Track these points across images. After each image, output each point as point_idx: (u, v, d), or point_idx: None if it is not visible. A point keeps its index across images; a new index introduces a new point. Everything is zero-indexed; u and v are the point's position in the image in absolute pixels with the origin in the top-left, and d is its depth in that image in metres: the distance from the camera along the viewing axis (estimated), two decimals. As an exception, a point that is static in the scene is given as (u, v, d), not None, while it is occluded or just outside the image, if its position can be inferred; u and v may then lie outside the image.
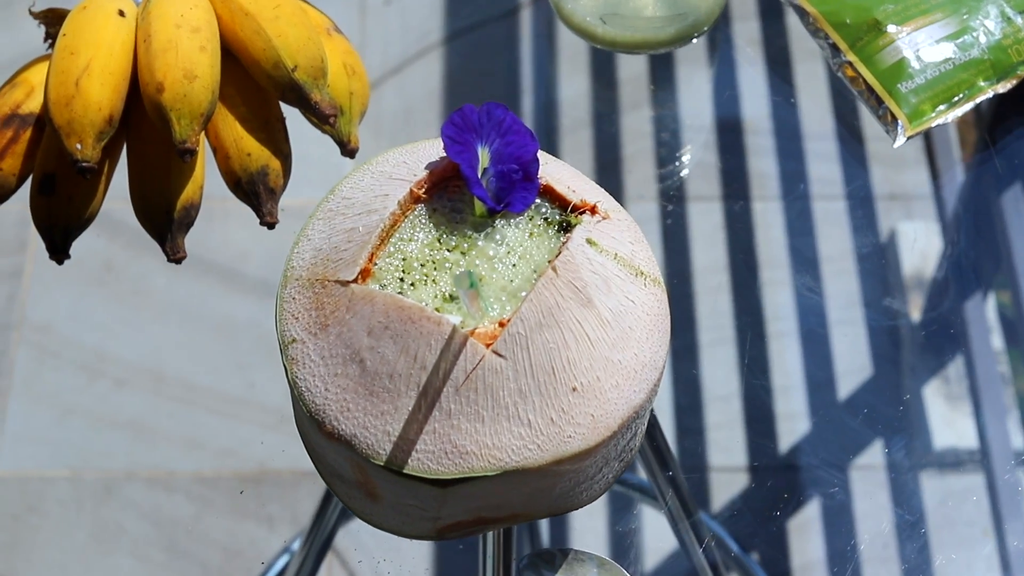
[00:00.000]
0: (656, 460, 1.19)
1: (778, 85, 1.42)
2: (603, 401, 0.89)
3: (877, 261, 1.60)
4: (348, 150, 1.08)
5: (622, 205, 0.98)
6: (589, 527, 1.44)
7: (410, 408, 0.87)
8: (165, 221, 1.05)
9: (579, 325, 0.88)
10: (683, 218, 1.63)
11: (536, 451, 0.87)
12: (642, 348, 0.91)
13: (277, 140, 1.08)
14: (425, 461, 0.87)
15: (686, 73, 1.41)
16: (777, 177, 1.61)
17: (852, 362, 1.57)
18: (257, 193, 1.05)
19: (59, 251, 1.06)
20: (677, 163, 1.52)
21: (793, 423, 1.55)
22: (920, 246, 1.63)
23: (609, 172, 1.66)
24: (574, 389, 0.88)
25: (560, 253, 0.90)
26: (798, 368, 1.58)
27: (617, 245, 0.92)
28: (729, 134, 1.54)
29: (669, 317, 0.94)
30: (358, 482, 0.91)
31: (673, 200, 1.55)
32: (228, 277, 1.61)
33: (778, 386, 1.58)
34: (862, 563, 1.46)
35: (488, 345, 0.87)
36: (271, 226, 1.05)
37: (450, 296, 0.90)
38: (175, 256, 1.05)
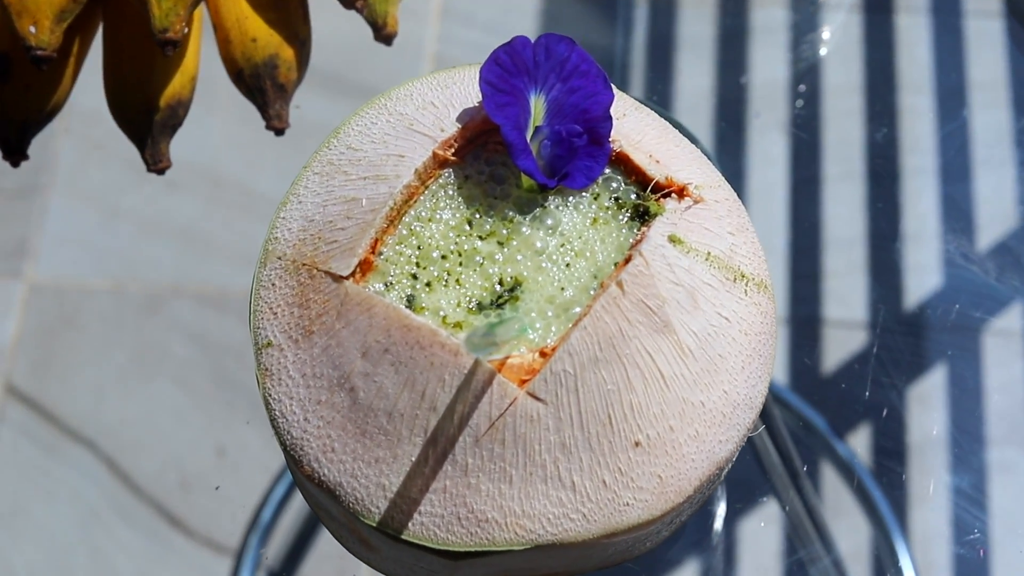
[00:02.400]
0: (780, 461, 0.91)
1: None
2: (675, 457, 0.61)
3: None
4: (383, 35, 0.77)
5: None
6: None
7: (414, 458, 0.60)
8: (144, 122, 0.76)
9: (650, 359, 0.60)
10: (814, 28, 1.30)
11: (580, 522, 0.60)
12: (735, 383, 0.62)
13: (292, 21, 0.77)
14: (431, 527, 0.61)
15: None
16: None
17: (995, 209, 1.26)
18: (263, 90, 0.76)
19: (14, 151, 0.77)
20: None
21: (922, 276, 1.25)
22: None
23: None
24: (637, 444, 0.60)
25: (630, 259, 0.60)
26: (933, 213, 1.27)
27: (711, 240, 0.63)
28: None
29: (775, 334, 0.64)
30: (350, 528, 0.64)
31: (803, 6, 1.23)
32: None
33: (910, 232, 1.27)
34: (988, 443, 1.19)
35: (523, 384, 0.59)
36: (279, 132, 0.75)
37: (478, 306, 0.61)
38: (156, 166, 0.76)
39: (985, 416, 1.22)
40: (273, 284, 0.64)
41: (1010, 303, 1.20)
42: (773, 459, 0.96)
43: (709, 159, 0.68)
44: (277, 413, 0.62)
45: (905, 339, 1.23)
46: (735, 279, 0.63)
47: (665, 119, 0.69)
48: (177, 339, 1.30)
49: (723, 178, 0.67)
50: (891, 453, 1.21)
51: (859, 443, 1.19)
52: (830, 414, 1.17)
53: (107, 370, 1.29)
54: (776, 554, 1.17)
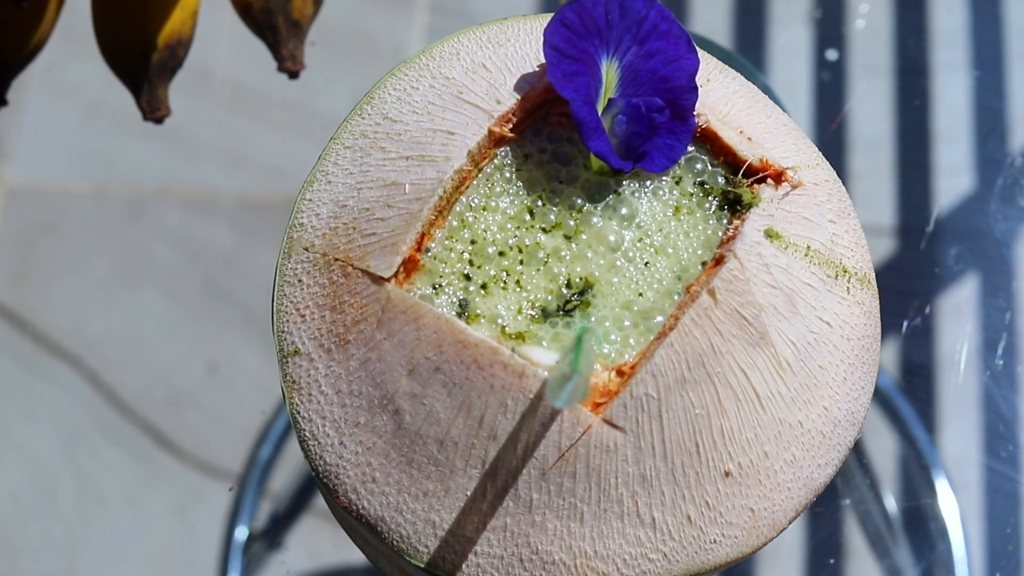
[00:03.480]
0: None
1: None
2: (770, 487, 0.51)
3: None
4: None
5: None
6: None
7: (469, 492, 0.51)
8: (140, 64, 0.64)
9: (744, 376, 0.50)
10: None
11: (660, 562, 0.51)
12: (836, 398, 0.52)
13: (306, -53, 0.65)
14: (488, 569, 0.51)
15: None
16: None
17: (1031, 107, 1.16)
18: (274, 27, 0.64)
19: (-10, 95, 0.66)
20: None
21: (954, 179, 1.15)
22: None
23: None
24: (727, 474, 0.50)
25: (721, 259, 0.50)
26: (965, 108, 1.17)
27: (811, 231, 0.52)
28: None
29: (879, 336, 0.54)
30: (391, 560, 0.54)
31: None
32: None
33: (941, 131, 1.17)
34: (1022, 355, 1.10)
35: (598, 409, 0.49)
36: (293, 75, 0.64)
37: (542, 312, 0.51)
38: (154, 114, 0.65)
39: (1018, 327, 1.13)
40: (300, 280, 0.53)
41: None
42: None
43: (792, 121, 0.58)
44: (307, 434, 0.52)
45: (934, 245, 1.14)
46: (836, 275, 0.53)
47: (742, 73, 0.59)
48: (164, 246, 1.20)
49: (820, 153, 0.56)
50: (920, 368, 1.12)
51: (887, 358, 1.10)
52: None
53: (89, 279, 1.19)
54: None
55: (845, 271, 0.54)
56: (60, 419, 1.14)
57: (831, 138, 1.19)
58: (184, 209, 1.20)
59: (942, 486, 1.06)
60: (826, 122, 1.19)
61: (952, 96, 1.18)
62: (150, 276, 1.18)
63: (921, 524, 1.06)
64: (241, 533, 1.00)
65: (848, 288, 0.53)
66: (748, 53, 1.20)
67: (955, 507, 1.04)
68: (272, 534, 1.01)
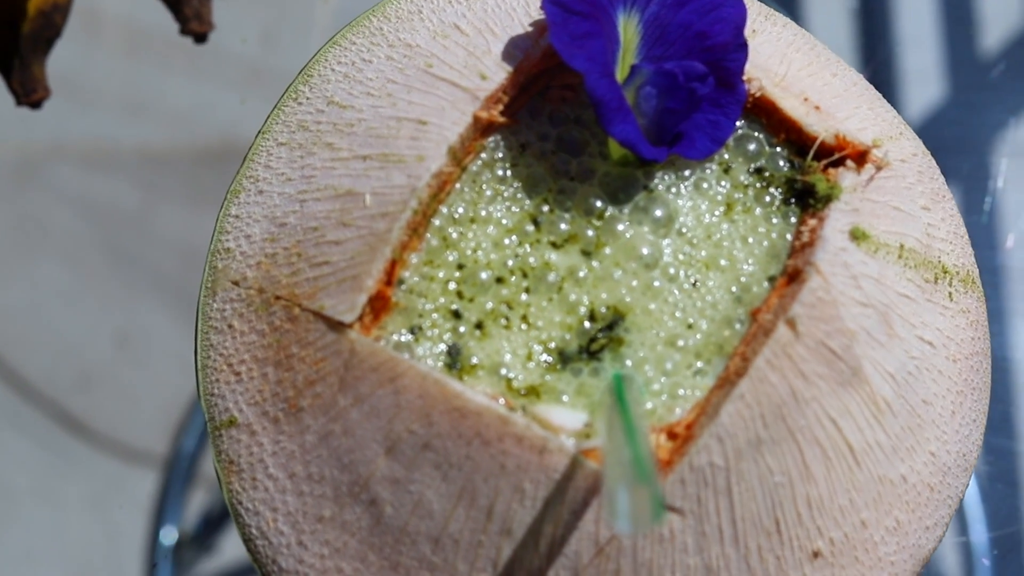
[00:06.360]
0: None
1: None
2: (869, 565, 0.39)
3: None
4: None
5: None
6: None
7: (478, 603, 0.36)
8: (8, 39, 0.49)
9: (833, 427, 0.36)
10: None
11: (731, 671, 0.37)
12: (944, 437, 0.39)
13: None
14: None
15: None
16: None
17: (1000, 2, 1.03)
18: (171, -22, 0.48)
19: None
20: None
21: (924, 88, 1.01)
22: None
23: None
24: (816, 554, 0.37)
25: (798, 274, 0.36)
26: (930, 8, 1.03)
27: (903, 224, 0.39)
28: None
29: (989, 350, 0.40)
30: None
31: None
32: None
33: (908, 35, 1.03)
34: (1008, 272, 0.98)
35: (644, 487, 0.34)
36: (200, 37, 0.49)
37: (560, 356, 0.36)
38: (29, 98, 0.50)
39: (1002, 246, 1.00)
40: (230, 326, 0.38)
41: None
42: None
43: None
44: (254, 531, 0.38)
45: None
46: (936, 278, 0.39)
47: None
48: (60, 208, 1.03)
49: (901, 119, 0.42)
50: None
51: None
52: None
53: (-21, 251, 1.03)
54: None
55: (945, 271, 0.39)
56: (-44, 409, 0.99)
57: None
58: (80, 166, 1.04)
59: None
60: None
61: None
62: (47, 243, 1.02)
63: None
64: (169, 535, 0.85)
65: (950, 294, 0.39)
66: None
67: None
68: (203, 536, 0.86)
